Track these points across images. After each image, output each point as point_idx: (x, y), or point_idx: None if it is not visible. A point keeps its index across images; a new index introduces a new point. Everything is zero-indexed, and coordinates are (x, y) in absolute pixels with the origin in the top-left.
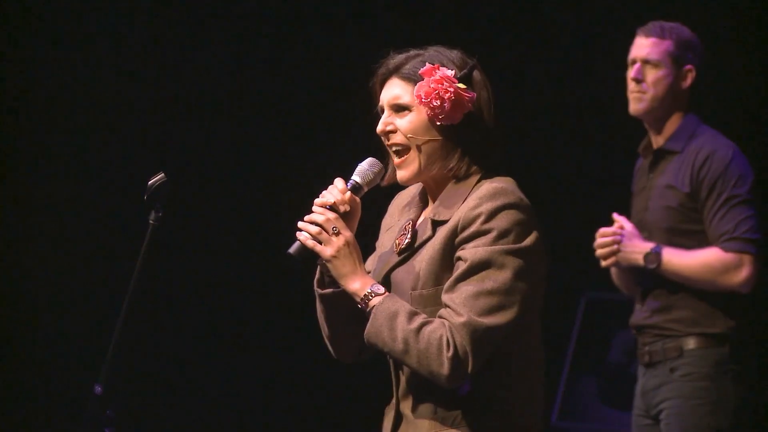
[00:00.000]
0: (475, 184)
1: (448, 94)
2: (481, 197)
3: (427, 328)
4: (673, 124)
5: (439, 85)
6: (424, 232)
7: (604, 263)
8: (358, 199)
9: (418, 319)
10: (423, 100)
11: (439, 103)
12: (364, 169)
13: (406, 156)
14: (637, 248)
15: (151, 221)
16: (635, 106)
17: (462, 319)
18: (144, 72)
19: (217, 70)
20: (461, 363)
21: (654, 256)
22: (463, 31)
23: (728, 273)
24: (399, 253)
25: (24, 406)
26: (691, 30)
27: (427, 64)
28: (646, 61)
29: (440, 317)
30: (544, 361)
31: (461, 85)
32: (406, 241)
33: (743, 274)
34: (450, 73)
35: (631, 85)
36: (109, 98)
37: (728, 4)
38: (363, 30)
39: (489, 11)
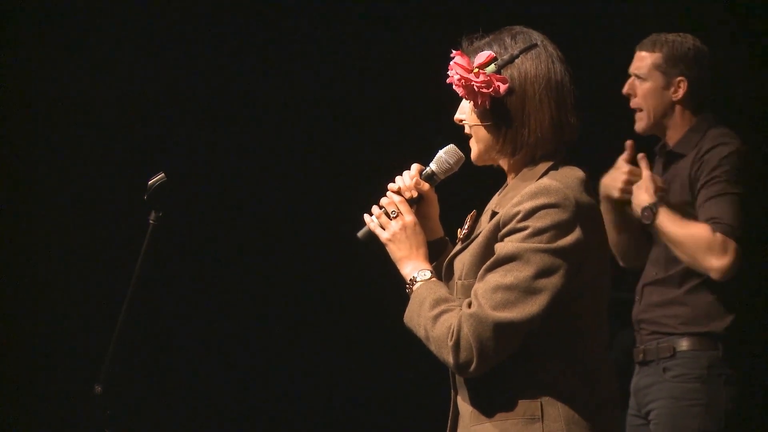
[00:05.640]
0: (540, 176)
1: (463, 80)
2: (524, 194)
3: (443, 316)
4: (681, 128)
5: (456, 72)
6: (484, 221)
7: (615, 194)
8: (426, 186)
9: (441, 307)
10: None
11: (463, 90)
12: (441, 157)
13: (471, 140)
14: (639, 200)
15: (151, 221)
16: (636, 127)
17: (472, 310)
18: (144, 71)
19: (217, 69)
20: (463, 352)
21: (650, 212)
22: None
23: (712, 252)
24: (462, 241)
25: (24, 406)
26: (698, 41)
27: (475, 52)
28: (636, 76)
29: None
30: (603, 364)
31: (484, 71)
32: (464, 231)
33: (726, 259)
34: (482, 58)
35: (630, 101)
36: (109, 98)
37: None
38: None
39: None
